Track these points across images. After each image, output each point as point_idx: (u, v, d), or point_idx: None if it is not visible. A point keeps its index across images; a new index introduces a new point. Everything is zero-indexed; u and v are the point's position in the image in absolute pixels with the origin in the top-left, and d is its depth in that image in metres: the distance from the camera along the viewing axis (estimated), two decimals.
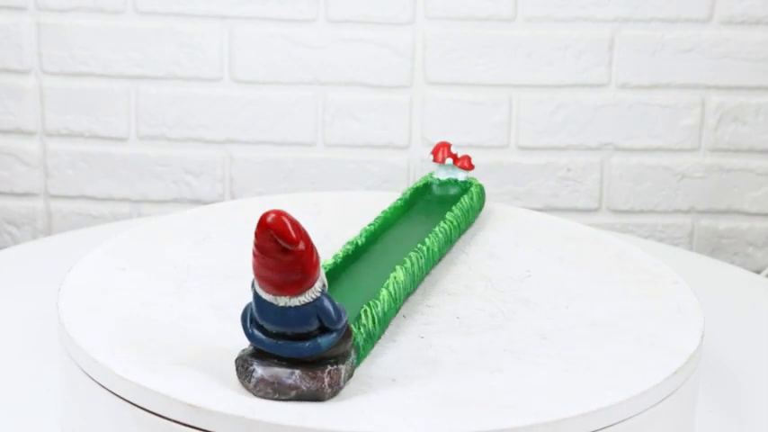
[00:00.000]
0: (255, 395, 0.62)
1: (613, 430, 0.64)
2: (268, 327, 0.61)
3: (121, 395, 0.65)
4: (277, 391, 0.62)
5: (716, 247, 1.31)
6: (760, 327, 0.95)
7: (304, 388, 0.62)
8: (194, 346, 0.69)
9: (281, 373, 0.62)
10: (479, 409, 0.63)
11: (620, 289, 0.80)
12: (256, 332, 0.62)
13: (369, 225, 0.83)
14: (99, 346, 0.68)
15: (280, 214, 0.59)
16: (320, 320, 0.61)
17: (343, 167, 1.29)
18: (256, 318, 0.62)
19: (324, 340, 0.61)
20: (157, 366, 0.66)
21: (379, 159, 1.29)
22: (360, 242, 0.80)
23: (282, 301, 0.60)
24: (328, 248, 0.81)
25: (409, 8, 1.25)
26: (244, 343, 0.64)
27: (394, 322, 0.73)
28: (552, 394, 0.65)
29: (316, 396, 0.62)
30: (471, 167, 0.94)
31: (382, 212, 0.86)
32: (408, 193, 0.92)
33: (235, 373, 0.63)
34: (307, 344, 0.61)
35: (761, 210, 1.30)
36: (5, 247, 1.30)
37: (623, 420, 0.65)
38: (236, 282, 0.79)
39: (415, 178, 1.30)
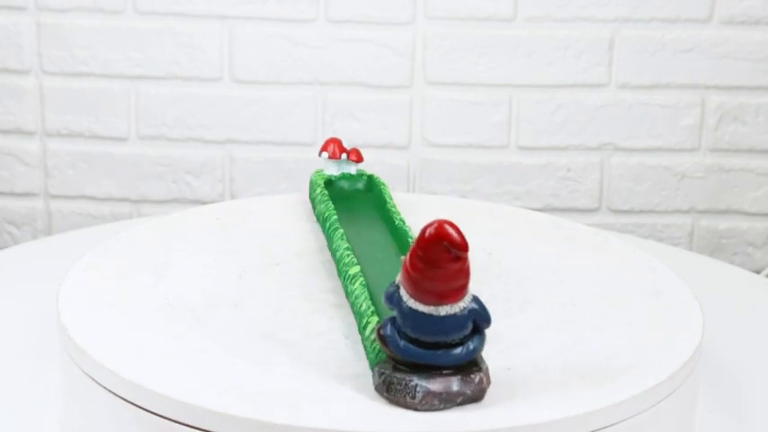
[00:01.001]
0: (419, 409, 0.60)
1: (613, 430, 0.64)
2: (425, 338, 0.59)
3: (122, 395, 0.65)
4: (444, 401, 0.60)
5: (716, 247, 1.31)
6: (760, 327, 0.95)
7: (469, 392, 0.60)
8: (195, 346, 0.69)
9: (446, 382, 0.60)
10: (476, 409, 0.63)
11: (619, 289, 0.80)
12: (411, 346, 0.60)
13: (333, 229, 0.82)
14: (99, 346, 0.68)
15: (445, 223, 0.57)
16: (474, 322, 0.60)
17: None
18: (407, 332, 0.60)
19: (476, 342, 0.60)
20: (158, 366, 0.66)
21: (379, 159, 1.29)
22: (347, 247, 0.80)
23: (444, 310, 0.59)
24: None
25: (409, 8, 1.25)
26: (244, 343, 0.64)
27: None
28: (551, 394, 0.65)
29: (477, 398, 0.61)
30: (362, 160, 0.94)
31: (327, 219, 0.85)
32: (319, 191, 0.90)
33: (376, 391, 0.61)
34: (462, 349, 0.60)
35: (761, 210, 1.30)
36: (5, 247, 1.30)
37: (623, 420, 0.65)
38: (237, 281, 0.79)
39: (415, 178, 1.30)
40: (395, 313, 0.60)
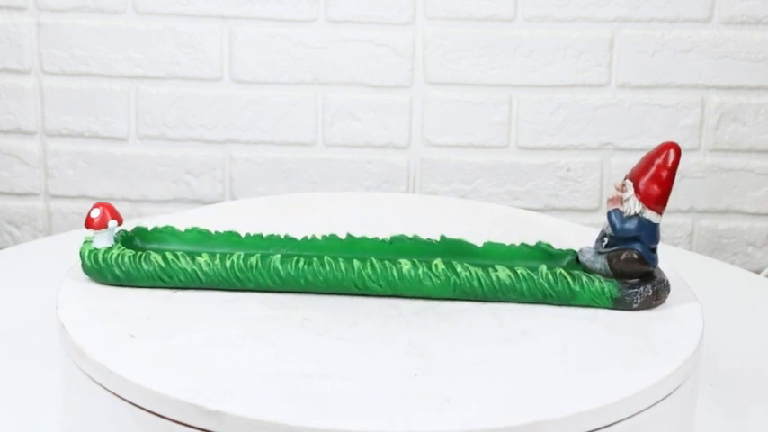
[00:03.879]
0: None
1: (613, 430, 0.64)
2: (655, 245, 0.76)
3: (121, 395, 0.65)
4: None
5: (716, 247, 1.31)
6: (760, 327, 0.95)
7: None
8: (195, 346, 0.69)
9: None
10: (475, 407, 0.63)
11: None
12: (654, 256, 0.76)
13: None
14: (99, 346, 0.68)
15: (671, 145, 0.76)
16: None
17: (343, 167, 1.29)
18: (650, 244, 0.76)
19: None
20: (157, 366, 0.66)
21: (379, 159, 1.29)
22: None
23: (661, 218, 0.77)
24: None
25: (409, 8, 1.25)
26: (244, 343, 0.64)
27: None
28: (551, 393, 0.65)
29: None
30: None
31: None
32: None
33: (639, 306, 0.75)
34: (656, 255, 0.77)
35: (761, 210, 1.30)
36: (5, 247, 1.30)
37: (623, 420, 0.65)
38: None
39: (415, 178, 1.30)
40: (633, 231, 0.75)
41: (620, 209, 0.76)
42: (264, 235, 0.80)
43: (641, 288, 0.76)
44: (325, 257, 0.76)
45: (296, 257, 0.76)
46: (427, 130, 1.28)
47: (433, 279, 0.75)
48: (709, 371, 0.84)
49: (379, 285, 0.75)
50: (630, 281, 0.76)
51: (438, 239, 0.79)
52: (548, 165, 1.29)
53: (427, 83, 1.27)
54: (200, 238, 0.80)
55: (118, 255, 0.76)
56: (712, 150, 1.29)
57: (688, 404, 0.72)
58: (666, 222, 1.30)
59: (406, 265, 0.75)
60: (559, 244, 0.81)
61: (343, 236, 0.80)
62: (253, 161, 1.29)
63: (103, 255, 0.76)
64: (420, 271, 0.75)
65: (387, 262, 0.75)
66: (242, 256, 0.76)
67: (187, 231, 0.80)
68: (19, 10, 1.26)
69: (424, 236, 0.80)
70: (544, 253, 0.79)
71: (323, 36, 1.26)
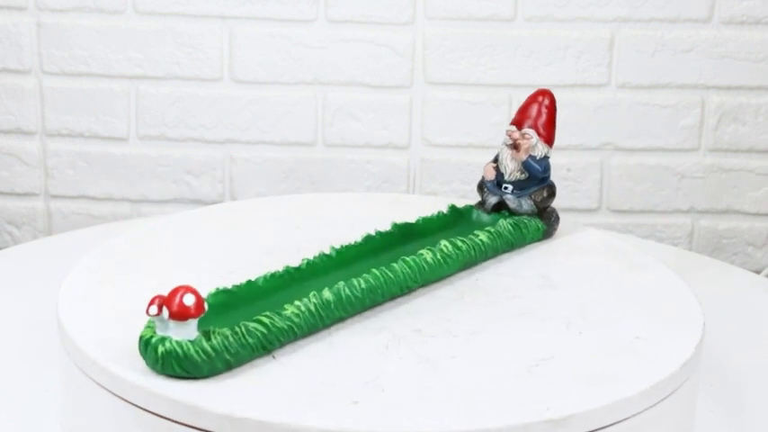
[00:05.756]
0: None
1: (613, 430, 0.64)
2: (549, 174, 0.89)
3: (121, 395, 0.65)
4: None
5: (716, 247, 1.31)
6: (760, 327, 0.95)
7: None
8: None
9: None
10: (474, 407, 0.63)
11: (619, 289, 0.80)
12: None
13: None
14: (99, 346, 0.68)
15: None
16: None
17: (343, 167, 1.29)
18: (544, 174, 0.88)
19: None
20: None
21: (379, 159, 1.29)
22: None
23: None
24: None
25: (409, 8, 1.25)
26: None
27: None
28: (552, 393, 0.65)
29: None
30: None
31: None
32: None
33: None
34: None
35: (761, 210, 1.30)
36: (5, 247, 1.30)
37: (623, 420, 0.65)
38: (237, 281, 0.79)
39: (415, 178, 1.30)
40: (547, 170, 0.88)
41: (533, 154, 0.87)
42: (278, 272, 0.75)
43: (552, 217, 0.90)
44: (370, 274, 0.75)
45: (351, 282, 0.74)
46: (427, 130, 1.28)
47: (448, 260, 0.80)
48: (709, 371, 0.84)
49: (416, 280, 0.78)
50: (546, 213, 0.89)
51: (391, 227, 0.83)
52: None
53: (427, 83, 1.27)
54: (231, 297, 0.72)
55: (222, 339, 0.66)
56: (712, 150, 1.29)
57: (688, 404, 0.72)
58: (666, 222, 1.30)
59: (427, 254, 0.79)
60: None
61: (340, 245, 0.80)
62: (253, 161, 1.29)
63: (212, 345, 0.65)
64: (438, 256, 0.79)
65: (413, 258, 0.78)
66: (317, 296, 0.71)
67: (215, 294, 0.72)
68: (19, 10, 1.26)
69: (376, 228, 0.83)
70: (458, 212, 0.89)
71: (323, 36, 1.26)
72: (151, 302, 0.64)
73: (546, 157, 0.88)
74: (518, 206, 0.88)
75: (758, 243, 1.31)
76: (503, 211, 0.89)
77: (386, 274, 0.76)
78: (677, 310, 0.77)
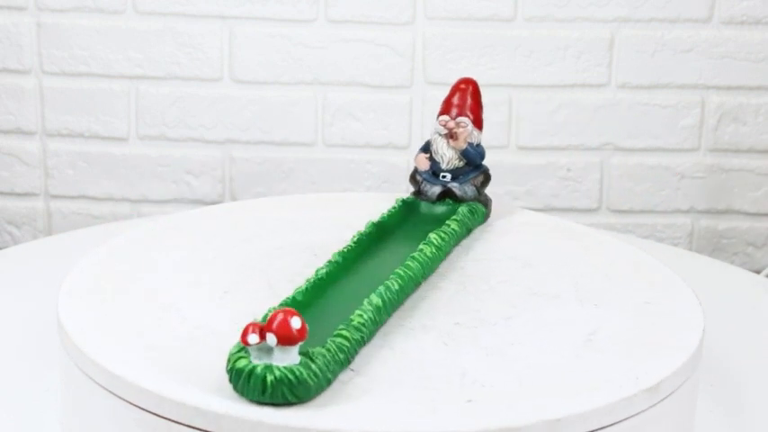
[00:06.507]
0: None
1: (613, 430, 0.64)
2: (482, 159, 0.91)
3: (121, 395, 0.65)
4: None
5: (716, 247, 1.31)
6: (760, 327, 0.95)
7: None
8: (195, 346, 0.69)
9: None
10: (474, 408, 0.63)
11: (619, 289, 0.80)
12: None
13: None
14: (99, 346, 0.68)
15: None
16: None
17: (343, 167, 1.29)
18: (478, 160, 0.91)
19: None
20: (157, 367, 0.66)
21: (379, 159, 1.29)
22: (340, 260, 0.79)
23: None
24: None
25: (409, 8, 1.25)
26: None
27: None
28: (552, 393, 0.65)
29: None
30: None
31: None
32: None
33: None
34: None
35: (761, 210, 1.30)
36: (5, 247, 1.30)
37: (623, 420, 0.65)
38: (237, 281, 0.79)
39: None
40: (475, 158, 0.90)
41: (470, 141, 0.90)
42: (308, 284, 0.74)
43: (488, 201, 0.93)
44: (395, 275, 0.75)
45: (388, 285, 0.74)
46: (427, 130, 1.28)
47: (440, 252, 0.82)
48: (709, 371, 0.84)
49: (424, 276, 0.79)
50: (482, 197, 0.92)
51: (369, 227, 0.84)
52: (548, 165, 1.29)
53: (427, 83, 1.27)
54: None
55: (323, 359, 0.64)
56: (712, 150, 1.29)
57: (688, 404, 0.72)
58: (666, 222, 1.30)
59: (426, 248, 0.81)
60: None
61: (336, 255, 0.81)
62: (253, 161, 1.29)
63: (318, 367, 0.63)
64: (434, 249, 0.81)
65: (418, 253, 0.79)
66: (370, 302, 0.71)
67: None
68: (19, 10, 1.26)
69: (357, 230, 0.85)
70: (408, 205, 0.91)
71: (323, 36, 1.26)
72: (246, 331, 0.61)
73: (480, 143, 0.91)
74: (464, 193, 0.90)
75: (758, 243, 1.31)
76: (446, 200, 0.91)
77: (407, 273, 0.76)
78: (677, 311, 0.77)
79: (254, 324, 0.61)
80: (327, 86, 1.27)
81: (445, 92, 1.29)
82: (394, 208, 0.89)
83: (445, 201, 0.91)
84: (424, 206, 0.91)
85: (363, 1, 1.25)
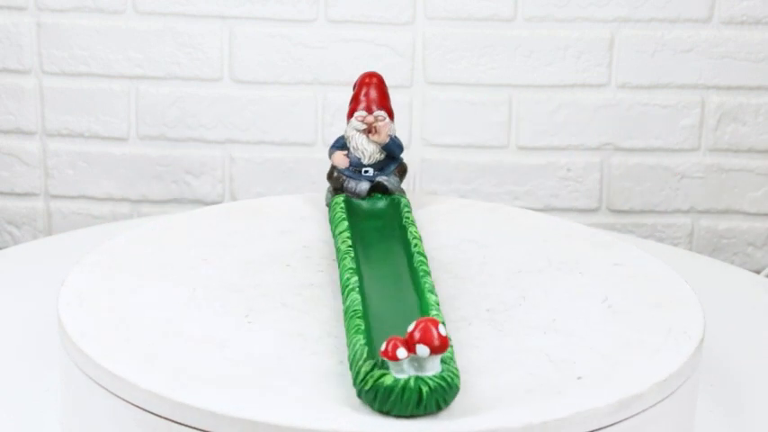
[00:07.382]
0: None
1: (613, 430, 0.64)
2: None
3: (121, 395, 0.65)
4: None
5: (716, 247, 1.31)
6: (760, 327, 0.95)
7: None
8: (194, 346, 0.69)
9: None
10: (474, 408, 0.63)
11: (619, 289, 0.80)
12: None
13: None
14: (99, 346, 0.68)
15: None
16: None
17: None
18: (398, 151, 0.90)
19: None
20: (157, 367, 0.66)
21: None
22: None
23: None
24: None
25: (409, 8, 1.25)
26: (242, 344, 0.64)
27: None
28: (552, 394, 0.65)
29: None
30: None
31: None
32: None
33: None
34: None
35: (761, 210, 1.30)
36: (5, 247, 1.30)
37: (623, 420, 0.65)
38: (236, 281, 0.79)
39: (414, 178, 1.30)
40: (397, 150, 0.90)
41: (390, 134, 0.89)
42: (354, 288, 0.75)
43: (404, 191, 0.92)
44: (419, 271, 0.77)
45: (428, 280, 0.75)
46: (427, 130, 1.28)
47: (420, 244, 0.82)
48: (709, 371, 0.84)
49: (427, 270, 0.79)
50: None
51: (343, 228, 0.84)
52: (548, 165, 1.29)
53: (427, 83, 1.27)
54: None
55: (453, 362, 0.64)
56: (712, 150, 1.29)
57: (688, 404, 0.72)
58: (666, 222, 1.30)
59: (418, 243, 0.81)
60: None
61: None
62: (253, 161, 1.29)
63: (456, 370, 0.64)
64: (421, 243, 0.82)
65: (418, 249, 0.80)
66: (431, 300, 0.72)
67: None
68: (19, 10, 1.26)
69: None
70: (348, 204, 0.89)
71: (323, 36, 1.26)
72: (392, 347, 0.61)
73: (396, 135, 0.91)
74: (394, 186, 0.90)
75: (758, 243, 1.31)
76: (375, 194, 0.90)
77: (425, 269, 0.77)
78: (677, 310, 0.77)
79: (394, 338, 0.61)
80: (327, 86, 1.27)
81: (446, 92, 1.29)
82: (339, 210, 0.87)
83: (374, 195, 0.90)
84: (364, 202, 0.89)
85: (363, 1, 1.25)
